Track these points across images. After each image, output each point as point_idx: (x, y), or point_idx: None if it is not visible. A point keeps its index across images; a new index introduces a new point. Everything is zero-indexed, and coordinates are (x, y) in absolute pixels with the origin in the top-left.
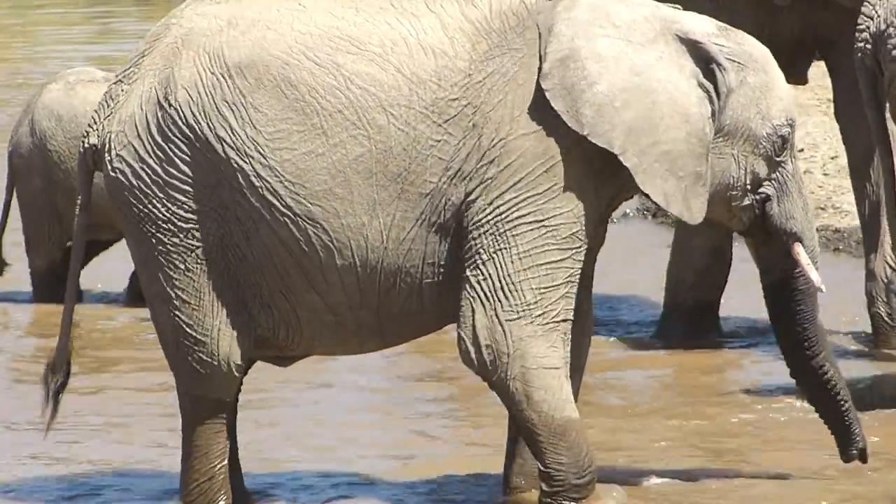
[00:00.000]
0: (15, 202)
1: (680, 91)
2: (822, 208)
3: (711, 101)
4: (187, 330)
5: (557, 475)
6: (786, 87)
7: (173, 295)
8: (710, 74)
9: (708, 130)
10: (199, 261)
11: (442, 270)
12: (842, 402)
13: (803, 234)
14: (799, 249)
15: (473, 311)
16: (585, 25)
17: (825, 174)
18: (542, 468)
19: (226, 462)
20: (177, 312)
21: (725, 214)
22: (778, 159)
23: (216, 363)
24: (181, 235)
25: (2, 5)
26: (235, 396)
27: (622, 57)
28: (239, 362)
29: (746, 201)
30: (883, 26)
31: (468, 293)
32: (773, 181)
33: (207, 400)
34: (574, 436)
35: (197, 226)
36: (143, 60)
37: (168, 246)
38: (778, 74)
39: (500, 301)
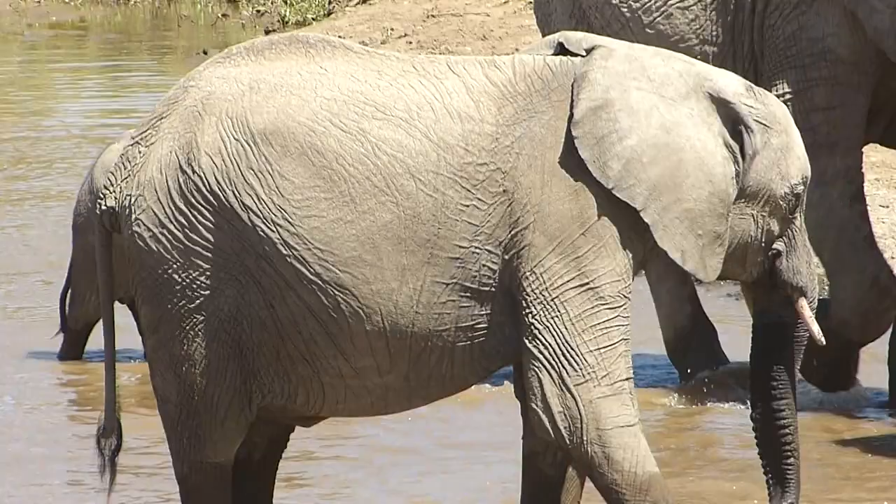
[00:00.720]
0: None
1: (707, 150)
2: None
3: (736, 162)
4: (191, 394)
5: None
6: (802, 146)
7: (181, 361)
8: (737, 135)
9: (731, 191)
10: (211, 328)
11: (475, 334)
12: (788, 454)
13: (807, 287)
14: (803, 303)
15: (541, 381)
16: (621, 77)
17: None
18: None
19: None
20: (182, 378)
21: (738, 270)
22: (791, 217)
23: (216, 428)
24: (197, 302)
25: (12, 60)
26: (271, 467)
27: (654, 112)
28: (237, 427)
29: (760, 258)
30: None
31: (532, 364)
32: (784, 237)
33: (207, 465)
34: (658, 490)
35: (215, 293)
36: (161, 123)
37: (182, 312)
38: (797, 134)
39: (564, 368)
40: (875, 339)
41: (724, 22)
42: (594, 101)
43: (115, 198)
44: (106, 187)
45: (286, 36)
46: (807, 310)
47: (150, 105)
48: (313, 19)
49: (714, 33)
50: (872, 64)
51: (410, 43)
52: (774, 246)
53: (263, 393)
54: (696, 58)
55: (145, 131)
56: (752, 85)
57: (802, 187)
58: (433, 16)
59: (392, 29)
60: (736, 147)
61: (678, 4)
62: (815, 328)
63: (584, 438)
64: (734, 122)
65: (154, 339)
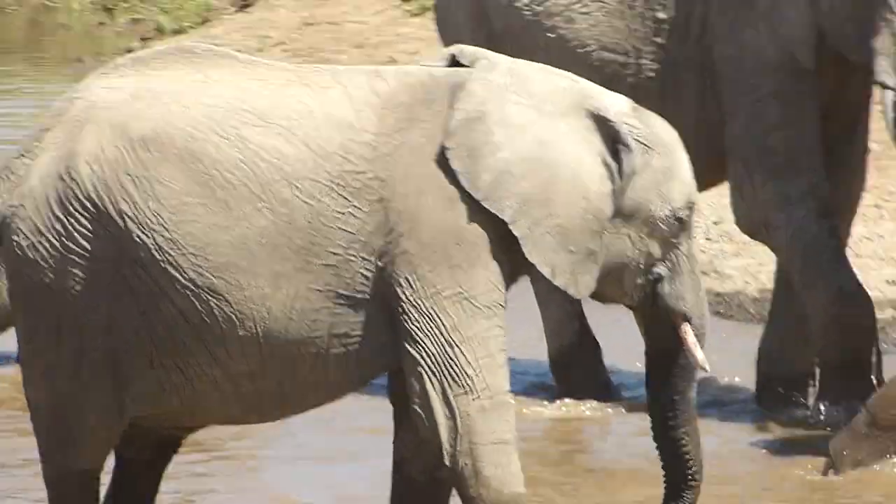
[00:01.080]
0: None
1: (583, 167)
2: (705, 273)
3: (613, 181)
4: (62, 401)
5: None
6: (689, 172)
7: (54, 367)
8: (615, 154)
9: (606, 209)
10: (85, 337)
11: (350, 342)
12: (690, 479)
13: (692, 314)
14: (686, 329)
15: (424, 388)
16: (500, 90)
17: (708, 239)
18: None
19: None
20: (54, 386)
21: (617, 291)
22: (674, 241)
23: (87, 435)
24: (72, 310)
25: None
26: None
27: (530, 126)
28: (107, 435)
29: (639, 280)
30: None
31: (414, 370)
32: (666, 261)
33: (76, 472)
34: None
35: (90, 302)
36: (45, 135)
37: (57, 321)
38: (683, 158)
39: (445, 378)
40: (869, 351)
41: (644, 41)
42: (470, 113)
43: (4, 210)
44: None
45: (173, 46)
46: (690, 336)
47: (25, 111)
48: (189, 27)
49: (616, 39)
50: (816, 72)
51: (287, 51)
52: (655, 270)
53: (136, 402)
54: (596, 63)
55: (31, 144)
56: (640, 108)
57: (687, 212)
58: (310, 24)
59: (268, 37)
60: (614, 166)
61: (581, 12)
62: (699, 356)
63: (458, 449)
64: (614, 141)
65: (29, 348)
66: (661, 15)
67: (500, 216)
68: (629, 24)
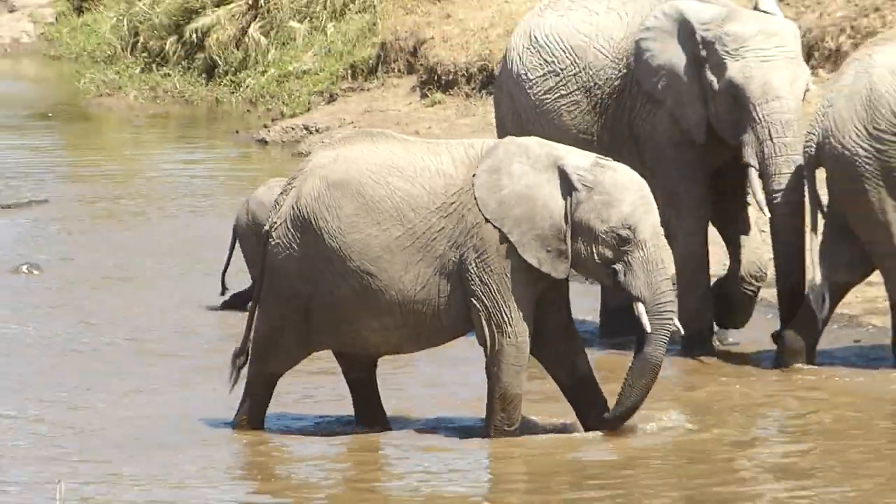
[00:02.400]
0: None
1: (551, 200)
2: None
3: (566, 209)
4: (272, 332)
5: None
6: (628, 204)
7: (274, 312)
8: (569, 192)
9: (565, 226)
10: (294, 299)
11: (450, 303)
12: (628, 396)
13: (644, 298)
14: (640, 308)
15: (482, 328)
16: (510, 154)
17: None
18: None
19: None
20: (271, 321)
21: (593, 276)
22: (623, 249)
23: (280, 353)
24: (290, 282)
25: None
26: (366, 373)
27: (524, 176)
28: (292, 356)
29: (604, 271)
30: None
31: (477, 317)
32: (620, 262)
33: (265, 373)
34: (515, 404)
35: (299, 277)
36: (293, 181)
37: (283, 288)
38: (621, 196)
39: (492, 317)
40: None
41: (601, 122)
42: (491, 165)
43: (269, 222)
44: (269, 217)
45: (360, 130)
46: (642, 314)
47: (202, 161)
48: (299, 113)
49: (591, 126)
50: (701, 146)
51: (356, 128)
52: (612, 266)
53: (320, 342)
54: (575, 139)
55: (286, 185)
56: (601, 162)
57: (626, 231)
58: (368, 111)
59: (344, 119)
60: (569, 199)
61: (565, 108)
62: (646, 322)
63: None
64: (569, 184)
65: (265, 302)
66: (609, 110)
67: (501, 229)
68: (590, 115)
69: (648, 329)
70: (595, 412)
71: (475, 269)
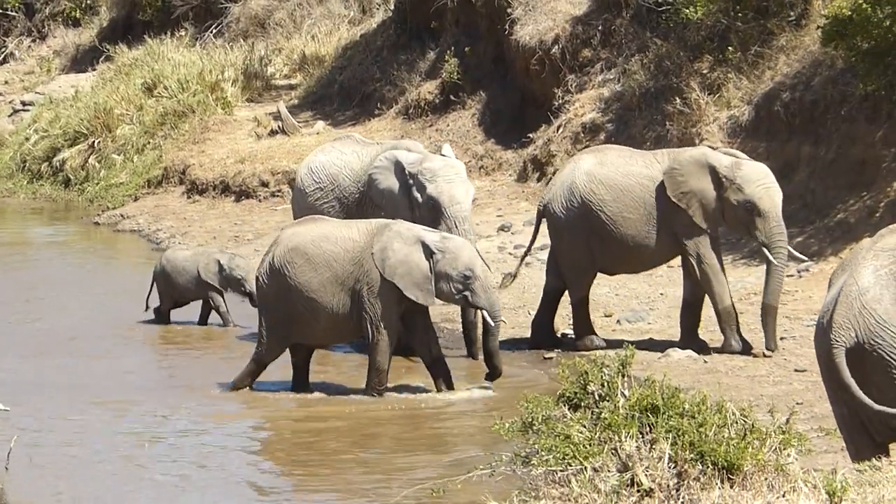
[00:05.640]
0: None
1: (422, 262)
2: None
3: (430, 265)
4: (274, 325)
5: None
6: (466, 259)
7: (268, 316)
8: (430, 255)
9: (430, 275)
10: (273, 318)
11: (355, 314)
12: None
13: (486, 307)
14: (484, 313)
15: (367, 324)
16: (398, 235)
17: None
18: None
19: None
20: (270, 324)
21: (451, 301)
22: (467, 283)
23: (275, 343)
24: (271, 307)
25: None
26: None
27: (403, 249)
28: (285, 344)
29: (457, 297)
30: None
31: (366, 319)
32: (468, 290)
33: (261, 364)
34: (383, 378)
35: (276, 306)
36: (271, 247)
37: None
38: (461, 254)
39: (373, 322)
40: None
41: (347, 218)
42: (383, 245)
43: (259, 271)
44: (249, 268)
45: (307, 217)
46: (487, 318)
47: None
48: None
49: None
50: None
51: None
52: (462, 293)
53: (296, 332)
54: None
55: (268, 248)
56: (445, 235)
57: (468, 272)
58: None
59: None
60: (434, 257)
61: (326, 208)
62: (489, 320)
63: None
64: (430, 251)
65: (260, 321)
66: (352, 213)
67: (391, 280)
68: (341, 215)
69: (491, 324)
70: (443, 379)
71: (367, 296)
